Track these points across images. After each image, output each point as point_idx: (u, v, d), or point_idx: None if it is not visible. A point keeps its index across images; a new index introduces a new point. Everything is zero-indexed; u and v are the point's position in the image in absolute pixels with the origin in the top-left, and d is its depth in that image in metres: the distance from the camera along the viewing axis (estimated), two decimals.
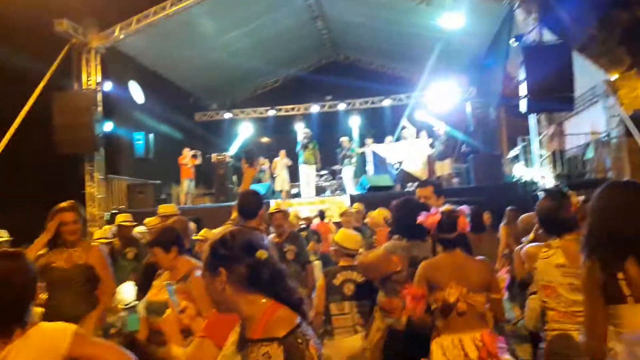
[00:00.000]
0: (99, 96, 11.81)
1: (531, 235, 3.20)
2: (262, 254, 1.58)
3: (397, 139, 14.06)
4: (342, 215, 7.33)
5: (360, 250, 4.09)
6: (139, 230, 6.47)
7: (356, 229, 6.69)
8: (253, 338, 1.53)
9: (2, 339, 1.80)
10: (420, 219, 2.97)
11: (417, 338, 2.91)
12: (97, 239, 6.02)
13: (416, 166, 12.36)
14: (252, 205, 3.51)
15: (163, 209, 6.12)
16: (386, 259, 3.27)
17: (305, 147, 13.08)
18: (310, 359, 1.47)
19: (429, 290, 2.85)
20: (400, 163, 12.50)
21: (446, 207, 3.00)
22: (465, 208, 2.97)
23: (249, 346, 1.53)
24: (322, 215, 9.50)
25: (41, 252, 3.63)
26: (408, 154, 12.56)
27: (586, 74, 10.83)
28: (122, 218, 6.25)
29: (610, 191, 2.04)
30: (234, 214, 3.58)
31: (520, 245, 3.38)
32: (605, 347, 1.89)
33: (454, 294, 2.74)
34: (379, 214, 5.82)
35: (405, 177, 12.46)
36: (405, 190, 12.50)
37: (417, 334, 2.92)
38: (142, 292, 4.21)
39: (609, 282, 1.87)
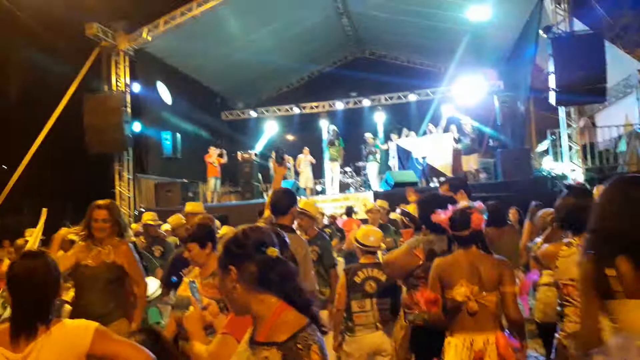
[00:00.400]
0: (128, 97, 12.07)
1: (547, 232, 3.12)
2: (273, 251, 1.57)
3: (423, 134, 13.95)
4: (368, 212, 7.30)
5: (382, 246, 4.07)
6: (165, 228, 6.59)
7: (380, 226, 6.69)
8: (258, 341, 1.54)
9: (26, 336, 1.86)
10: (435, 216, 2.92)
11: (437, 333, 2.89)
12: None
13: (441, 161, 12.21)
14: (283, 202, 3.59)
15: (190, 207, 6.23)
16: (409, 254, 3.25)
17: (331, 143, 13.12)
18: None
19: (441, 288, 2.80)
20: (425, 158, 12.36)
21: (464, 203, 2.94)
22: (479, 204, 2.91)
23: (254, 348, 1.55)
24: (349, 212, 9.46)
25: (76, 244, 3.72)
26: (433, 148, 12.42)
27: (619, 64, 10.51)
28: (147, 217, 6.37)
29: (612, 187, 2.04)
30: (267, 212, 3.64)
31: (532, 242, 3.29)
32: (597, 340, 1.92)
33: (463, 292, 2.69)
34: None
35: (431, 172, 12.33)
36: (431, 185, 12.40)
37: (436, 330, 2.89)
38: (168, 288, 4.30)
39: (599, 278, 1.90)
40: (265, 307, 1.56)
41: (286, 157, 15.05)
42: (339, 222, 8.74)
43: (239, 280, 1.56)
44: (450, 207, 2.92)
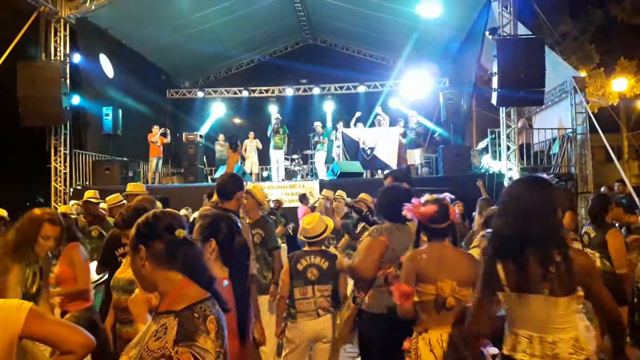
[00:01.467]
0: (67, 68, 11.44)
1: None
2: (180, 232, 1.69)
3: (371, 126, 14.14)
4: (334, 199, 7.47)
5: (326, 233, 4.11)
6: (102, 207, 6.37)
7: (346, 215, 6.89)
8: (159, 311, 1.64)
9: None
10: (415, 208, 2.83)
11: (396, 323, 2.87)
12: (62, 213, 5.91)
13: (387, 153, 12.44)
14: (229, 187, 3.62)
15: (131, 187, 6.05)
16: (376, 244, 3.18)
17: (275, 132, 13.16)
18: (204, 332, 1.54)
19: (416, 282, 2.75)
20: (372, 149, 12.57)
21: (430, 196, 2.90)
22: (447, 196, 2.91)
23: (155, 317, 1.64)
24: (302, 199, 9.52)
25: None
26: (380, 140, 12.63)
27: (556, 70, 11.05)
28: (89, 194, 6.15)
29: (508, 189, 2.29)
30: (215, 196, 3.68)
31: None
32: (486, 329, 2.27)
33: (447, 288, 2.66)
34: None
35: (376, 163, 12.55)
36: (375, 177, 12.63)
37: (396, 320, 2.88)
38: (105, 267, 4.17)
39: (492, 274, 2.15)
40: (170, 283, 1.66)
41: None
42: (300, 212, 8.82)
43: (147, 258, 1.67)
44: (415, 199, 2.88)
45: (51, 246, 3.35)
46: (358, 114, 13.79)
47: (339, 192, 7.77)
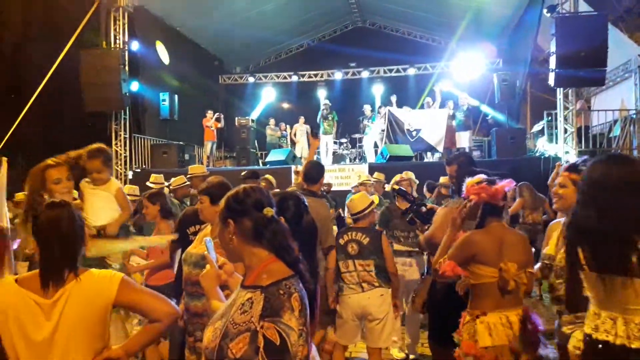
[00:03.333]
0: (126, 55, 11.91)
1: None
2: (268, 211, 1.73)
3: (421, 107, 13.94)
4: (361, 185, 7.32)
5: (369, 210, 4.19)
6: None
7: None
8: (245, 284, 1.69)
9: (55, 283, 1.93)
10: (479, 189, 2.74)
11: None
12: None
13: (434, 136, 12.21)
14: (314, 172, 4.09)
15: (194, 169, 6.33)
16: (452, 213, 3.11)
17: (325, 118, 13.17)
18: (289, 309, 1.55)
19: (470, 263, 2.72)
20: (418, 131, 12.34)
21: (478, 177, 2.84)
22: (511, 181, 2.85)
23: (241, 290, 1.69)
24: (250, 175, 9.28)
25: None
26: (427, 122, 12.39)
27: (619, 48, 10.51)
28: (154, 179, 6.46)
29: (589, 170, 2.13)
30: (299, 179, 4.09)
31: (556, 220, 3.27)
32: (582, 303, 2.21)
33: (512, 270, 2.61)
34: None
35: (421, 145, 12.34)
36: (425, 161, 12.48)
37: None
38: (177, 245, 4.38)
39: (573, 255, 2.08)
40: (256, 259, 1.71)
41: (282, 125, 15.09)
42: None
43: (235, 233, 1.72)
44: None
45: (69, 187, 3.26)
46: (394, 98, 13.51)
47: (376, 175, 7.52)
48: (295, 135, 13.82)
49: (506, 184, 2.74)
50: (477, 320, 2.65)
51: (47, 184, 3.18)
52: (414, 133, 12.44)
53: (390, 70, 16.86)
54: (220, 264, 2.08)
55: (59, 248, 1.95)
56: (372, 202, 4.22)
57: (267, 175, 6.28)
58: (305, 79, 17.43)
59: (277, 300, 1.56)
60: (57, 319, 1.90)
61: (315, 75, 17.31)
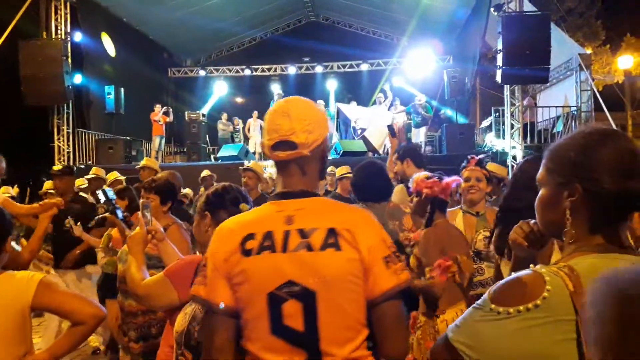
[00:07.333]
0: (69, 46, 11.36)
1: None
2: (244, 206, 1.91)
3: (373, 104, 14.04)
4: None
5: None
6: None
7: (328, 192, 6.79)
8: None
9: None
10: (429, 184, 2.73)
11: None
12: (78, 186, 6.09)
13: (376, 139, 12.00)
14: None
15: (147, 161, 6.22)
16: None
17: None
18: None
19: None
20: (363, 130, 12.22)
21: (424, 173, 2.88)
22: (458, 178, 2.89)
23: None
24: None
25: None
26: (372, 121, 12.28)
27: (562, 47, 10.93)
28: (113, 176, 6.28)
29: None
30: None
31: None
32: None
33: (468, 263, 2.61)
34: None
35: (366, 146, 12.16)
36: (379, 156, 12.56)
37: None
38: None
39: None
40: None
41: (236, 120, 14.87)
42: None
43: (211, 225, 1.85)
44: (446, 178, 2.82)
45: None
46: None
47: (344, 169, 7.40)
48: (249, 130, 13.63)
49: (453, 180, 2.76)
50: (437, 320, 2.61)
51: None
52: (359, 132, 12.41)
53: (344, 66, 16.89)
54: (151, 228, 2.13)
55: None
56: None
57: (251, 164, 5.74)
58: (259, 72, 17.22)
59: None
60: None
61: (269, 70, 17.14)
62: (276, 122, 1.44)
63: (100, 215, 3.65)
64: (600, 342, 0.68)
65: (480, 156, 3.19)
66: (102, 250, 4.10)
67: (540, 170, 1.14)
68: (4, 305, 1.83)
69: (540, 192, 1.15)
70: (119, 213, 3.43)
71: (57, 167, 5.44)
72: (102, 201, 3.37)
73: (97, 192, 3.94)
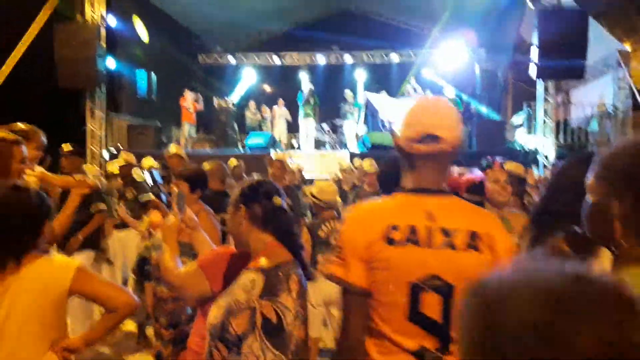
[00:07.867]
0: (102, 30, 11.51)
1: None
2: (277, 200, 1.91)
3: (401, 96, 13.88)
4: (342, 171, 7.23)
5: (338, 200, 4.14)
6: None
7: (354, 187, 6.76)
8: (249, 266, 1.81)
9: (2, 272, 1.83)
10: (452, 180, 2.73)
11: None
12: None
13: None
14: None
15: (175, 149, 6.21)
16: None
17: (307, 101, 12.93)
18: (286, 290, 1.72)
19: None
20: (391, 123, 12.14)
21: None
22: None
23: (245, 272, 1.81)
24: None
25: None
26: (400, 114, 12.18)
27: (599, 42, 10.60)
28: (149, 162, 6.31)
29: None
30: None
31: None
32: None
33: None
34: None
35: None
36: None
37: None
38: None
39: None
40: (261, 243, 1.85)
41: (263, 108, 14.89)
42: None
43: (246, 217, 1.87)
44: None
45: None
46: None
47: (357, 162, 7.18)
48: (275, 118, 13.61)
49: (472, 177, 2.81)
50: None
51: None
52: (387, 124, 12.34)
53: (373, 56, 16.71)
54: (184, 217, 2.17)
55: (5, 234, 1.84)
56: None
57: (279, 155, 5.72)
58: (287, 61, 17.18)
59: (276, 282, 1.71)
60: (8, 308, 1.82)
61: (298, 59, 17.08)
62: (422, 116, 1.55)
63: (145, 198, 3.68)
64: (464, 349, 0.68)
65: (498, 158, 3.22)
66: (142, 234, 4.16)
67: (591, 178, 1.15)
68: (43, 290, 1.86)
69: (590, 200, 1.15)
70: (163, 197, 3.49)
71: (66, 146, 5.40)
72: (149, 183, 3.39)
73: (144, 172, 3.97)
